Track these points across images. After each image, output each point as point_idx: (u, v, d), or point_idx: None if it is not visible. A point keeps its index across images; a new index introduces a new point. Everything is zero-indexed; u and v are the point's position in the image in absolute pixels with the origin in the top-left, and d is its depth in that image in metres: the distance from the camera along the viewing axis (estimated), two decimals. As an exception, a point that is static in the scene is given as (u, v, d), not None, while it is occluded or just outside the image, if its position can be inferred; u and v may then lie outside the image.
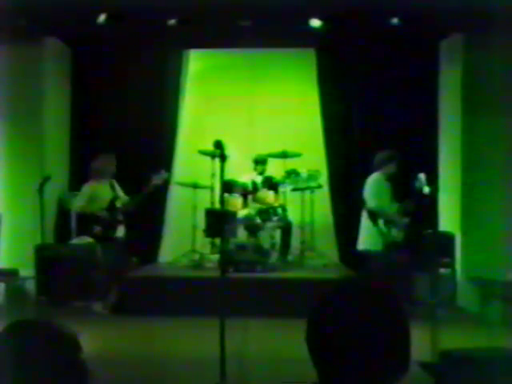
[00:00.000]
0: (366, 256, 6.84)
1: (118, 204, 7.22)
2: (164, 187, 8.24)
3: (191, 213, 8.26)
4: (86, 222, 7.23)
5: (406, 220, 6.82)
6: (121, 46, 8.57)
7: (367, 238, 6.81)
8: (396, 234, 6.73)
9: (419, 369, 4.20)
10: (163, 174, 7.24)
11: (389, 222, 6.69)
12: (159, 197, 8.41)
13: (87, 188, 7.27)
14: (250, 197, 8.28)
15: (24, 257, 7.60)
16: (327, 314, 1.43)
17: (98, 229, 7.11)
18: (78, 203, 7.30)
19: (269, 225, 8.13)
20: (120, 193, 7.35)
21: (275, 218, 8.17)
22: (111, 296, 7.08)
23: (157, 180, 7.12)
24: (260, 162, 8.45)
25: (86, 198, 7.18)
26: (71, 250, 7.53)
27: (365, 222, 6.82)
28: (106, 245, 7.16)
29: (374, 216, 6.74)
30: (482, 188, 7.48)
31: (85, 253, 7.31)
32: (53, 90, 8.43)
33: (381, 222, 6.70)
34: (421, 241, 6.94)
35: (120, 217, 7.24)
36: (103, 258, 7.16)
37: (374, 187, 6.76)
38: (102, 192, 7.22)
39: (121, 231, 7.28)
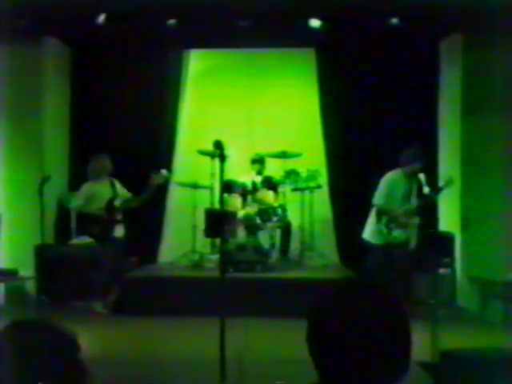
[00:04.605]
0: (366, 245, 6.91)
1: (117, 203, 7.23)
2: (164, 187, 8.24)
3: (191, 213, 8.25)
4: (85, 221, 7.24)
5: (415, 220, 6.78)
6: (121, 46, 8.56)
7: (370, 230, 6.85)
8: (398, 234, 6.71)
9: (419, 369, 4.20)
10: (164, 173, 7.25)
11: (392, 222, 6.68)
12: (159, 197, 8.39)
13: (86, 187, 7.29)
14: (249, 197, 8.27)
15: (24, 257, 7.60)
16: (327, 314, 1.43)
17: (96, 228, 7.12)
18: (75, 202, 7.31)
19: (269, 225, 8.13)
20: (122, 191, 7.35)
21: (275, 218, 8.16)
22: (111, 296, 7.09)
23: (158, 179, 7.13)
24: (257, 161, 8.43)
25: (84, 197, 7.21)
26: (71, 249, 7.54)
27: (372, 215, 6.83)
28: (105, 244, 7.17)
29: (379, 213, 6.75)
30: (481, 188, 7.47)
31: (85, 253, 7.31)
32: (53, 89, 8.43)
33: (383, 221, 6.69)
34: (425, 241, 6.93)
35: (119, 216, 7.25)
36: (103, 257, 7.16)
37: (385, 186, 6.76)
38: (101, 191, 7.23)
39: (120, 231, 7.29)
